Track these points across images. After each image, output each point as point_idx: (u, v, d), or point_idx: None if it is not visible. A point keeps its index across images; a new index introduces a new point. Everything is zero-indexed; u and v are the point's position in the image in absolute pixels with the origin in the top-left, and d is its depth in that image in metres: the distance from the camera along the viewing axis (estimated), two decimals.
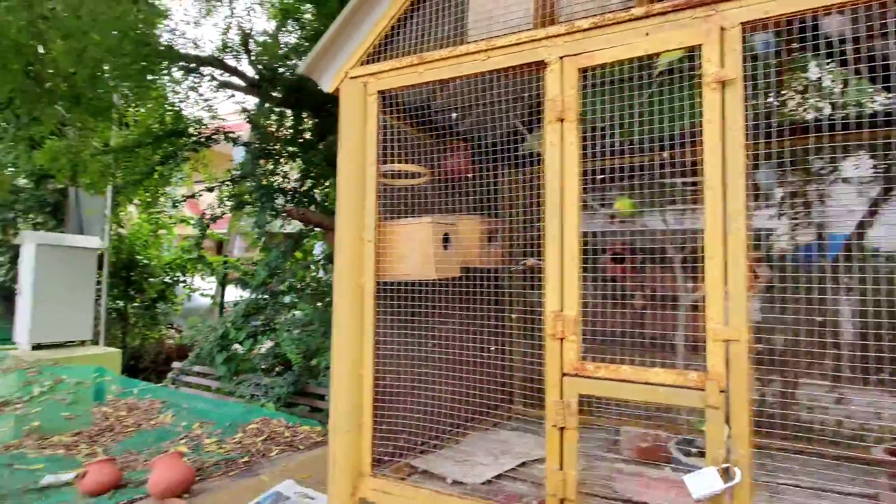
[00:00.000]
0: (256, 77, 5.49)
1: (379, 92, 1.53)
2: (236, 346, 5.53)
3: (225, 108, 6.99)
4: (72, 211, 7.72)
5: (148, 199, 7.56)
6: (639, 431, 1.76)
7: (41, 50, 4.41)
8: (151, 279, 9.17)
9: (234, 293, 10.20)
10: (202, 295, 9.66)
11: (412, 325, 1.57)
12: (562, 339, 1.22)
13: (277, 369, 5.62)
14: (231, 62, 5.60)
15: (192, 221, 9.93)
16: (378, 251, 1.50)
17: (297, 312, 6.04)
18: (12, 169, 6.38)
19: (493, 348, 2.08)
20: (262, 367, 5.55)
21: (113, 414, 3.47)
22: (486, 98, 1.54)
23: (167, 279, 9.30)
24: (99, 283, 6.97)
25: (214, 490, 2.19)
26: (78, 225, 7.75)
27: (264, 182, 4.51)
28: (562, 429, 1.21)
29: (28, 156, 5.35)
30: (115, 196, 7.23)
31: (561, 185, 1.25)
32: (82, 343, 6.69)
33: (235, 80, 5.64)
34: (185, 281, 9.24)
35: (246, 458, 2.60)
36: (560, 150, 1.26)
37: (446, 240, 1.57)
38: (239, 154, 8.43)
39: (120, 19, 3.61)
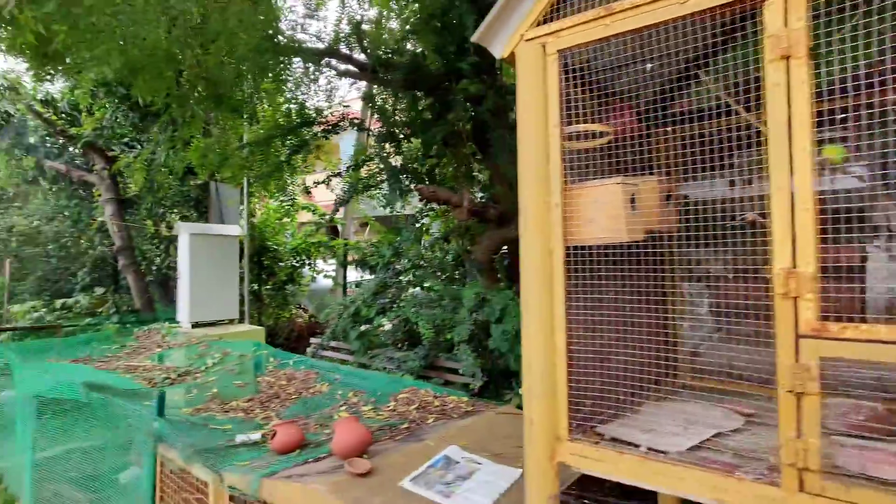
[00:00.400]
0: (370, 64, 5.65)
1: (559, 51, 1.48)
2: (367, 322, 5.83)
3: (338, 96, 7.29)
4: (213, 203, 8.54)
5: (274, 190, 8.15)
6: (850, 403, 1.60)
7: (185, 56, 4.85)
8: (280, 263, 9.94)
9: (352, 274, 10.78)
10: (325, 276, 10.31)
11: (594, 290, 1.54)
12: (795, 298, 1.12)
13: (406, 344, 5.86)
14: (345, 51, 5.83)
15: (312, 208, 10.61)
16: (565, 215, 1.47)
17: (416, 289, 6.24)
18: (163, 168, 7.12)
19: (667, 316, 1.99)
20: (390, 341, 5.81)
21: (275, 383, 3.82)
22: (661, 49, 1.44)
23: (294, 263, 10.03)
24: (241, 267, 7.68)
25: (387, 452, 2.33)
26: (218, 216, 8.56)
27: (392, 163, 4.66)
28: (799, 394, 1.11)
29: (182, 155, 5.97)
30: (249, 187, 7.88)
31: (789, 130, 1.14)
32: (230, 321, 7.44)
33: (351, 68, 5.84)
34: (310, 264, 9.90)
35: (406, 425, 2.74)
36: (786, 91, 1.14)
37: (632, 201, 1.51)
38: (346, 142, 8.82)
39: (264, 20, 3.87)
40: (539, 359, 1.46)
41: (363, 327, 5.84)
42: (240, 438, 2.65)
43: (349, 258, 9.25)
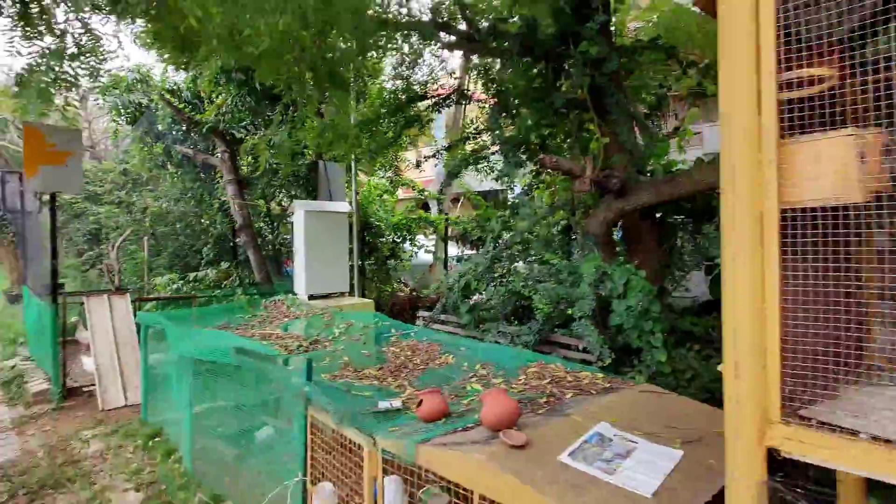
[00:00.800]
0: (475, 33, 5.52)
1: None
2: (477, 295, 5.83)
3: (439, 70, 7.24)
4: (322, 181, 8.91)
5: (380, 167, 8.36)
6: None
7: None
8: (381, 239, 10.23)
9: (452, 249, 10.88)
10: (426, 252, 10.48)
11: (807, 257, 1.36)
12: None
13: (516, 318, 5.81)
14: (448, 22, 5.73)
15: (411, 184, 10.77)
16: (779, 173, 1.30)
17: (519, 264, 6.14)
18: (284, 146, 7.49)
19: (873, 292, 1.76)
20: (500, 315, 5.77)
21: (400, 353, 3.93)
22: None
23: (395, 239, 10.27)
24: (349, 243, 7.98)
25: (534, 426, 2.30)
26: (327, 194, 8.92)
27: (507, 134, 4.56)
28: None
29: (297, 135, 6.25)
30: (356, 165, 8.12)
31: None
32: (341, 294, 7.80)
33: (457, 39, 5.75)
34: (410, 239, 10.09)
35: (544, 399, 2.69)
36: None
37: (862, 156, 1.31)
38: (436, 119, 8.80)
39: None
40: (747, 331, 1.33)
41: (473, 301, 5.86)
42: (382, 405, 2.73)
43: (450, 233, 9.33)
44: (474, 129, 6.01)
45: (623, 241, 5.43)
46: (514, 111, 5.01)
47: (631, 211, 4.91)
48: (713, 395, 3.97)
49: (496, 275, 5.58)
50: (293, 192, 10.98)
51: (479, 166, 5.98)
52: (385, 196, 11.11)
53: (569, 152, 5.34)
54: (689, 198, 4.93)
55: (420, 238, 10.58)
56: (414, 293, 10.32)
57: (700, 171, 4.12)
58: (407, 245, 10.56)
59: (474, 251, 9.77)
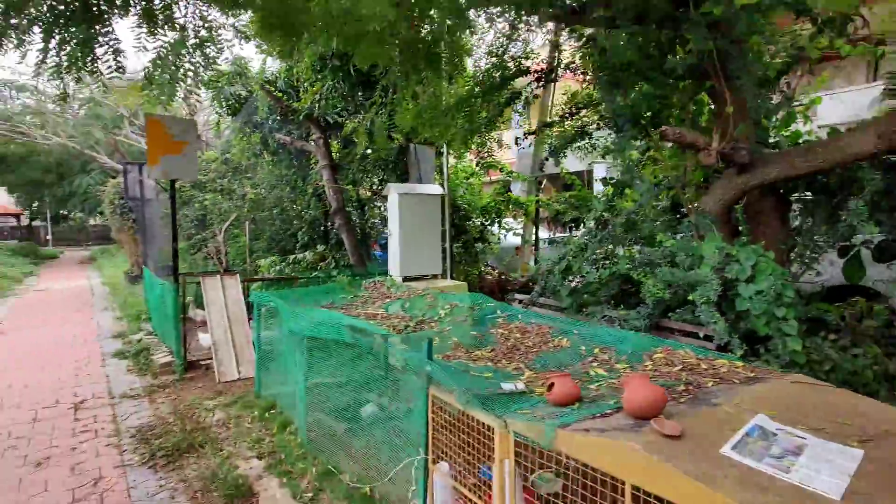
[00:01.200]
0: (576, 4, 5.22)
1: None
2: (579, 277, 5.62)
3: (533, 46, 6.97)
4: (412, 164, 8.98)
5: (470, 147, 8.26)
6: None
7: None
8: (468, 222, 10.18)
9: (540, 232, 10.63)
10: (514, 234, 10.32)
11: None
12: None
13: (622, 302, 5.55)
14: None
15: (499, 166, 10.60)
16: None
17: (620, 246, 5.83)
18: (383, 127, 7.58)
19: None
20: (604, 299, 5.54)
21: (509, 335, 3.84)
22: None
23: (484, 221, 10.18)
24: (442, 225, 8.00)
25: (680, 415, 2.13)
26: (417, 176, 8.98)
27: (622, 107, 4.30)
28: None
29: (386, 121, 6.29)
30: (448, 147, 8.08)
31: None
32: (433, 277, 7.85)
33: (558, 11, 5.48)
34: (498, 221, 9.96)
35: (682, 387, 2.50)
36: None
37: None
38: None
39: None
40: None
41: (574, 283, 5.66)
42: (506, 387, 2.66)
43: (541, 215, 9.10)
44: (572, 105, 5.74)
45: (747, 221, 5.01)
46: (625, 83, 4.70)
47: (755, 187, 4.50)
48: (855, 391, 3.57)
49: (599, 257, 5.34)
50: (382, 177, 11.19)
51: (582, 144, 5.72)
52: (471, 179, 11.04)
53: (680, 125, 4.96)
54: (825, 171, 4.43)
55: (508, 221, 10.43)
56: (502, 276, 10.22)
57: (852, 138, 3.66)
58: (494, 228, 10.45)
59: (566, 233, 9.49)
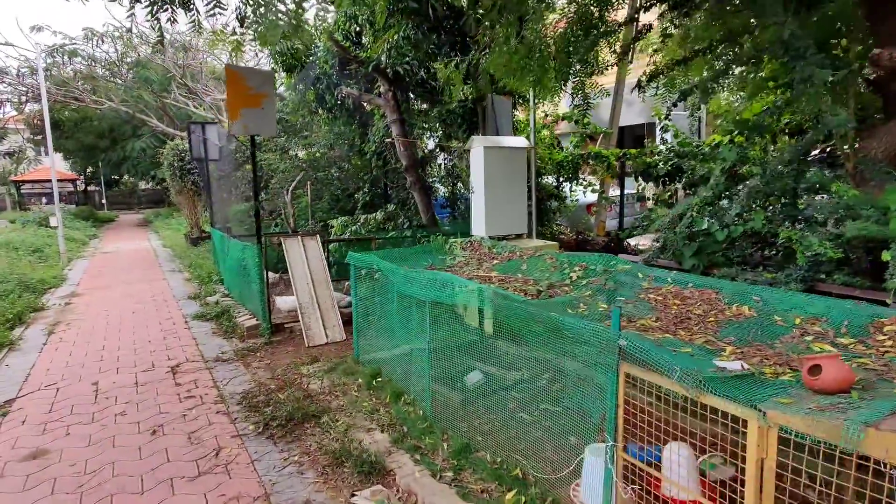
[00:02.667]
0: None
1: None
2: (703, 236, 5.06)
3: None
4: (489, 117, 8.39)
5: (556, 97, 7.58)
6: None
7: None
8: (540, 178, 9.57)
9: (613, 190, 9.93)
10: (592, 191, 9.68)
11: None
12: None
13: (761, 263, 4.98)
14: None
15: (574, 117, 9.87)
16: None
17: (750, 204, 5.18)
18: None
19: None
20: (737, 259, 4.97)
21: (668, 302, 3.37)
22: None
23: (560, 177, 9.57)
24: (528, 181, 7.47)
25: None
26: (494, 129, 8.40)
27: (801, 29, 3.61)
28: None
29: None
30: (535, 95, 7.45)
31: None
32: (519, 236, 7.39)
33: None
34: (576, 177, 9.33)
35: None
36: None
37: None
38: None
39: None
40: None
41: (697, 242, 5.10)
42: (731, 366, 2.21)
43: (627, 169, 8.42)
44: (690, 49, 5.03)
45: None
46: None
47: None
48: None
49: (732, 212, 4.75)
50: (447, 132, 10.63)
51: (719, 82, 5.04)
52: (544, 132, 10.37)
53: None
54: None
55: (586, 177, 9.77)
56: (580, 236, 9.66)
57: None
58: (569, 185, 9.82)
59: (655, 189, 8.80)
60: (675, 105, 5.45)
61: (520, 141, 7.36)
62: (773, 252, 4.94)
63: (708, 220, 4.98)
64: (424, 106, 11.26)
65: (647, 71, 5.54)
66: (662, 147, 7.99)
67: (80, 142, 28.90)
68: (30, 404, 4.77)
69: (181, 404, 4.63)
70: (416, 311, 4.14)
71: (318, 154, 13.97)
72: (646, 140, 16.06)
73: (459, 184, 12.74)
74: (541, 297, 3.65)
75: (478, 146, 6.93)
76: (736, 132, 5.19)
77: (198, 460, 3.67)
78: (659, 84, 6.48)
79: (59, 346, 6.55)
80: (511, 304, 3.13)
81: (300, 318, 6.39)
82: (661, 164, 7.73)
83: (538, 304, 3.38)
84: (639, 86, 5.68)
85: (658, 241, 5.35)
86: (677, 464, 2.38)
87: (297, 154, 14.97)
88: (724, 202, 5.13)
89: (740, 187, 4.96)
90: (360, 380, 4.83)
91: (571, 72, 5.96)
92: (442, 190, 13.93)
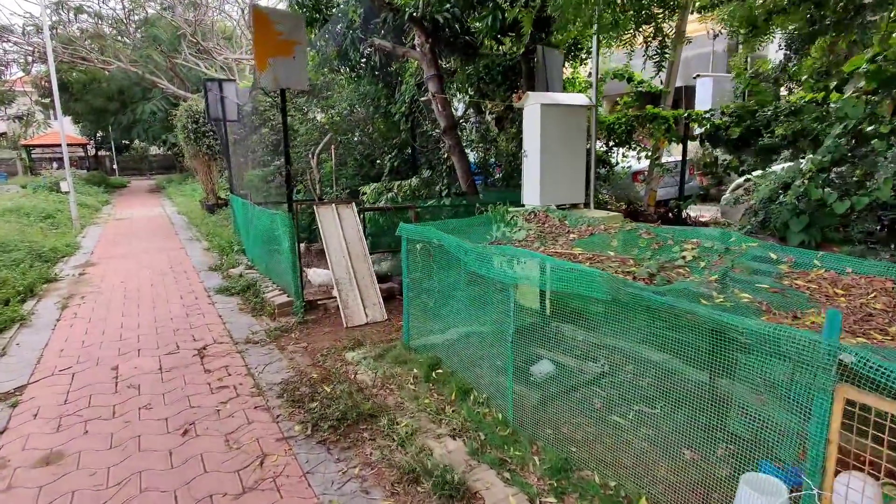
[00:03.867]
0: None
1: None
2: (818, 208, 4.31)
3: None
4: (539, 72, 7.55)
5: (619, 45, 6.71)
6: None
7: None
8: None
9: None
10: (646, 157, 8.85)
11: None
12: None
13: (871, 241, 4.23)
14: None
15: (626, 75, 8.96)
16: None
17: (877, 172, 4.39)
18: None
19: None
20: (859, 235, 4.22)
21: (825, 292, 2.66)
22: None
23: (609, 142, 8.74)
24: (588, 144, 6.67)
25: None
26: (544, 86, 7.57)
27: None
28: None
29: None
30: (599, 45, 6.60)
31: None
32: (575, 206, 6.64)
33: None
34: (630, 141, 8.49)
35: None
36: None
37: None
38: None
39: None
40: None
41: (807, 215, 4.35)
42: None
43: (691, 133, 7.57)
44: None
45: None
46: None
47: None
48: None
49: (882, 180, 3.98)
50: (485, 91, 9.77)
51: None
52: (588, 93, 9.47)
53: None
54: None
55: (640, 141, 8.91)
56: (630, 207, 8.89)
57: None
58: (620, 150, 8.99)
59: (706, 153, 7.96)
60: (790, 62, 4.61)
61: (580, 98, 6.54)
62: None
63: (824, 190, 4.21)
64: (455, 64, 10.36)
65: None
66: (732, 105, 7.11)
67: (89, 104, 28.11)
68: (43, 393, 4.21)
69: (213, 396, 4.05)
70: (492, 293, 3.47)
71: (337, 118, 13.14)
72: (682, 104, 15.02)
73: (493, 149, 11.94)
74: (656, 283, 2.95)
75: (534, 103, 6.13)
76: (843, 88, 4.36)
77: (240, 471, 3.09)
78: (738, 34, 5.62)
79: (74, 322, 5.99)
80: (641, 294, 2.44)
81: (337, 295, 5.76)
82: (732, 126, 6.88)
83: (664, 291, 2.68)
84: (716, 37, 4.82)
85: (757, 215, 4.60)
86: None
87: (314, 117, 14.15)
88: (843, 168, 4.35)
89: (866, 150, 4.17)
90: (415, 370, 4.20)
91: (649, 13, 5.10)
92: (471, 156, 13.15)
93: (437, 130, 12.50)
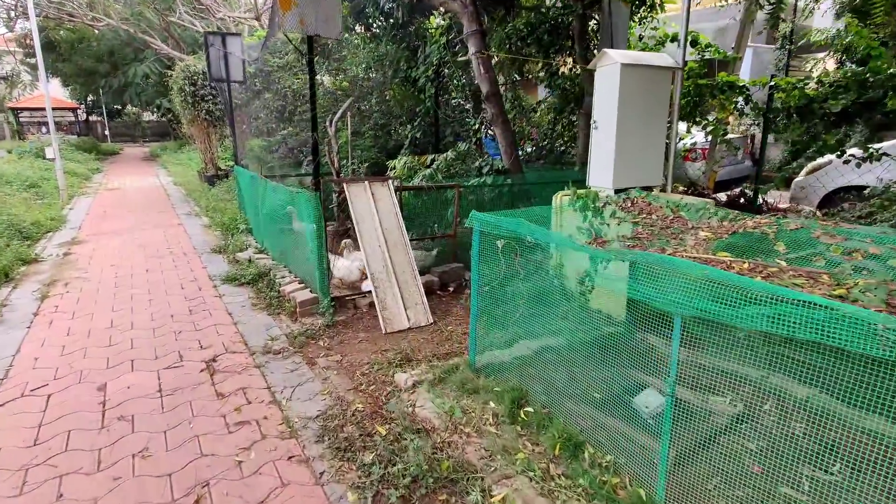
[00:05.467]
0: None
1: None
2: None
3: None
4: (605, 29, 6.42)
5: None
6: None
7: None
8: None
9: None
10: (707, 133, 7.75)
11: None
12: None
13: None
14: None
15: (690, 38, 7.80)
16: None
17: None
18: None
19: None
20: None
21: None
22: None
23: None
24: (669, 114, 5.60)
25: None
26: (608, 45, 6.45)
27: None
28: None
29: None
30: None
31: None
32: (648, 189, 5.60)
33: None
34: (695, 116, 7.40)
35: None
36: None
37: None
38: None
39: None
40: None
41: None
42: None
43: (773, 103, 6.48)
44: None
45: None
46: None
47: None
48: None
49: None
50: (527, 52, 8.59)
51: None
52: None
53: None
54: None
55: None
56: (690, 190, 7.86)
57: None
58: (684, 125, 7.90)
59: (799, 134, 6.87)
60: None
61: (664, 59, 5.44)
62: None
63: None
64: (490, 23, 9.16)
65: None
66: (836, 72, 6.04)
67: (78, 66, 26.51)
68: (5, 425, 3.23)
69: (231, 437, 3.08)
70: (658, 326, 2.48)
71: (345, 83, 11.89)
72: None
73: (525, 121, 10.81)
74: None
75: (610, 63, 5.03)
76: None
77: None
78: None
79: (55, 318, 4.99)
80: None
81: (373, 292, 4.76)
82: (830, 98, 5.81)
83: None
84: None
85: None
86: None
87: (323, 81, 12.92)
88: None
89: None
90: (492, 404, 3.23)
91: None
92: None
93: (459, 99, 11.35)
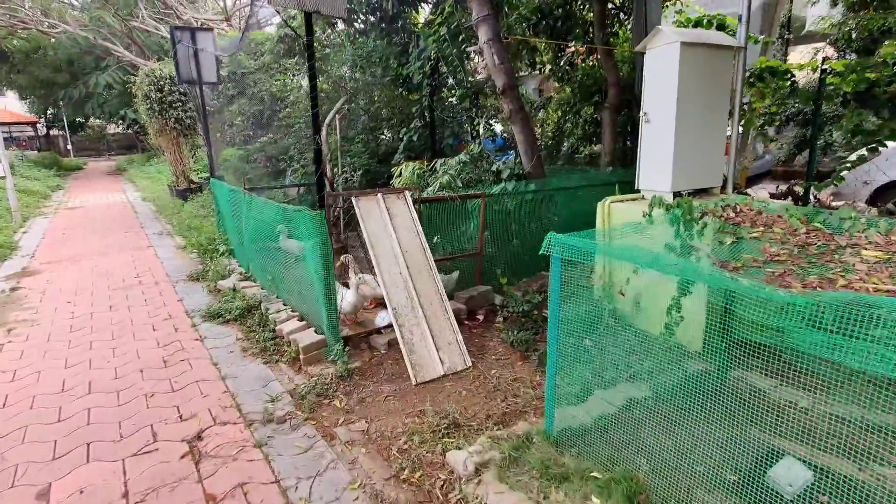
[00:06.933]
0: None
1: None
2: None
3: None
4: (637, 7, 5.60)
5: None
6: None
7: None
8: None
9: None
10: (741, 124, 7.00)
11: None
12: None
13: None
14: None
15: (718, 19, 7.07)
16: None
17: None
18: None
19: None
20: None
21: None
22: None
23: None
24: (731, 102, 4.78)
25: None
26: (642, 28, 5.65)
27: None
28: None
29: None
30: None
31: None
32: (703, 191, 4.79)
33: None
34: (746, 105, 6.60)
35: None
36: None
37: None
38: None
39: None
40: None
41: None
42: None
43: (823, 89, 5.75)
44: None
45: None
46: None
47: None
48: None
49: None
50: (532, 41, 7.75)
51: None
52: None
53: None
54: None
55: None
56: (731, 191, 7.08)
57: None
58: None
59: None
60: None
61: (724, 38, 4.64)
62: None
63: None
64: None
65: None
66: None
67: (34, 77, 24.85)
68: None
69: None
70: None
71: (324, 86, 10.89)
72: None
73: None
74: None
75: (667, 42, 4.20)
76: None
77: None
78: None
79: None
80: None
81: (397, 331, 3.82)
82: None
83: None
84: None
85: None
86: None
87: (301, 85, 11.92)
88: None
89: None
90: (595, 501, 2.33)
91: None
92: (499, 128, 11.15)
93: (457, 97, 10.46)
